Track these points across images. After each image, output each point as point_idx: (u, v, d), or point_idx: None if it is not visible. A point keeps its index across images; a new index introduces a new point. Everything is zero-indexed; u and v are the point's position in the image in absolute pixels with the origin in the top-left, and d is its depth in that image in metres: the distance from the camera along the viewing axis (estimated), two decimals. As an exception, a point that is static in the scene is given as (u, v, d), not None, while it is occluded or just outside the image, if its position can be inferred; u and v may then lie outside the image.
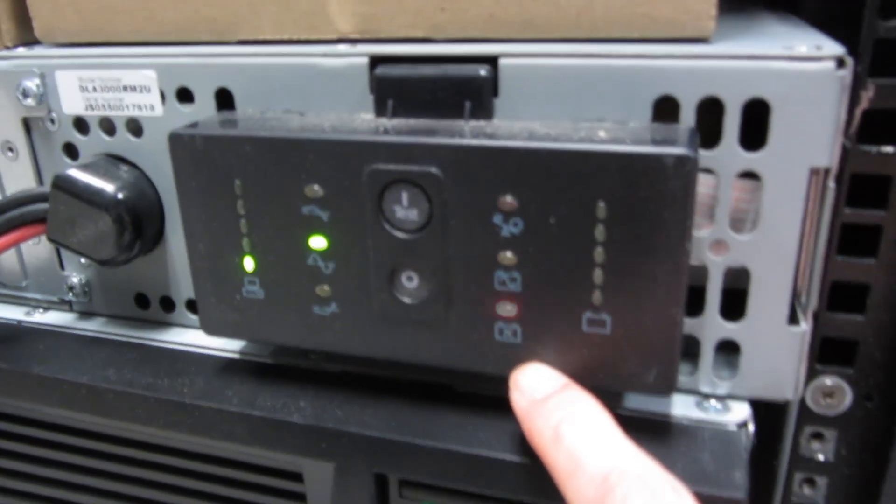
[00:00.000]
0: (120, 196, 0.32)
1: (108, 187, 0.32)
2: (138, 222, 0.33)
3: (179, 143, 0.28)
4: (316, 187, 0.27)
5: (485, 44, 0.28)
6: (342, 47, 0.29)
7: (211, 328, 0.31)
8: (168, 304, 0.36)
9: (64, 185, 0.32)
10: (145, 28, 0.33)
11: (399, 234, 0.27)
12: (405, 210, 0.26)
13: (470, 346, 0.28)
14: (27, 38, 0.35)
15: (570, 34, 0.27)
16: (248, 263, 0.29)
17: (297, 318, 0.29)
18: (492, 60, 0.27)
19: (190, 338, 0.35)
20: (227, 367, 0.33)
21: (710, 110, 0.25)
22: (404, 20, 0.29)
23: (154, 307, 0.36)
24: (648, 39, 0.26)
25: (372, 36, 0.30)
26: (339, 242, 0.28)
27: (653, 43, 0.26)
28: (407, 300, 0.27)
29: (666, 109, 0.26)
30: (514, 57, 0.27)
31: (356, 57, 0.29)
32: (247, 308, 0.30)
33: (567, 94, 0.26)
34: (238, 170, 0.28)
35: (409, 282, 0.27)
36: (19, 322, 0.38)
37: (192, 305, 0.35)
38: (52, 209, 0.32)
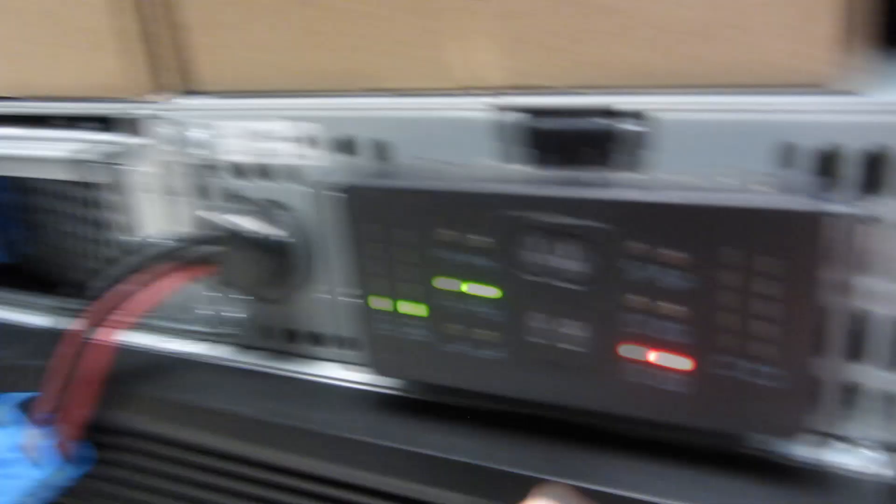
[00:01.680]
0: (281, 240, 0.34)
1: (272, 232, 0.34)
2: (296, 264, 0.34)
3: (350, 194, 0.30)
4: (482, 237, 0.28)
5: (633, 96, 0.28)
6: (491, 100, 0.31)
7: (377, 368, 0.33)
8: (316, 339, 0.38)
9: (233, 230, 0.34)
10: (301, 80, 0.34)
11: (563, 285, 0.28)
12: (569, 261, 0.27)
13: (631, 393, 0.28)
14: (184, 88, 0.38)
15: (715, 82, 0.28)
16: (415, 308, 0.31)
17: (462, 361, 0.31)
18: (641, 114, 0.28)
19: (338, 372, 0.37)
20: (383, 403, 0.34)
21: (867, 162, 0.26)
22: (554, 73, 0.30)
23: (303, 342, 0.38)
24: (772, 88, 0.26)
25: (523, 89, 0.31)
26: (503, 290, 0.29)
27: (780, 93, 0.26)
28: (570, 348, 0.28)
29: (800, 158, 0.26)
30: (665, 111, 0.27)
31: (508, 111, 0.30)
32: (412, 350, 0.31)
33: (715, 145, 0.27)
34: (406, 219, 0.29)
35: (572, 330, 0.28)
36: (176, 353, 0.40)
37: (339, 342, 0.37)
38: (221, 252, 0.34)
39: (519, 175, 0.29)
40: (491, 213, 0.28)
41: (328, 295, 0.36)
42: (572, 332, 0.28)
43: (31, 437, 0.38)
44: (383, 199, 0.29)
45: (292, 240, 0.34)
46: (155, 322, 0.41)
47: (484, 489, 0.30)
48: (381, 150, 0.32)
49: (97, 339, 0.35)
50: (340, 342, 0.37)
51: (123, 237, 0.41)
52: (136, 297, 0.35)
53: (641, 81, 0.29)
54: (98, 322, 0.35)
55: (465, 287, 0.29)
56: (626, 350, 0.28)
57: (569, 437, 0.31)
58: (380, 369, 0.33)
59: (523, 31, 0.30)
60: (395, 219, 0.29)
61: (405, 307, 0.31)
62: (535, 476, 0.29)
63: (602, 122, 0.28)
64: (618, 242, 0.26)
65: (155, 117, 0.36)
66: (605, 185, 0.27)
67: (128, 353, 0.40)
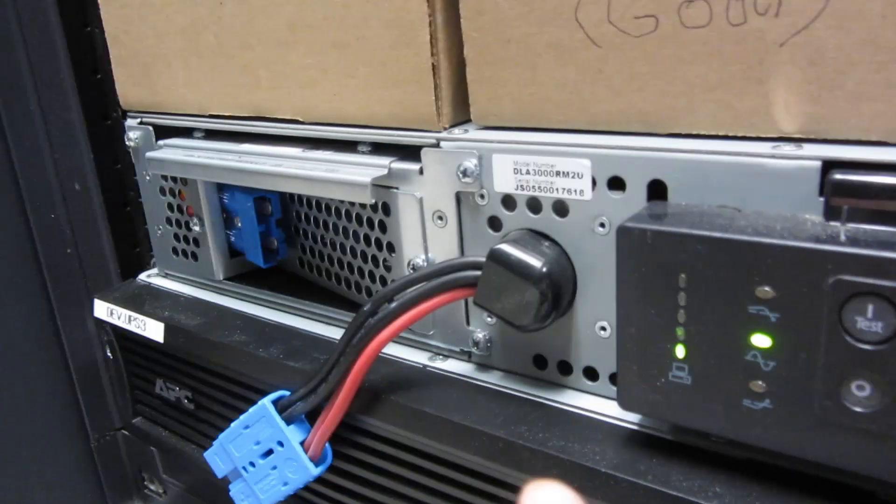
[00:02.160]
0: (545, 270, 0.35)
1: (536, 263, 0.35)
2: (557, 295, 0.36)
3: (628, 236, 0.31)
4: (768, 289, 0.28)
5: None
6: (787, 148, 0.30)
7: (628, 404, 0.33)
8: (565, 368, 0.39)
9: (498, 258, 0.36)
10: (577, 118, 0.36)
11: (859, 345, 0.27)
12: (868, 321, 0.26)
13: (918, 462, 0.27)
14: (459, 119, 0.40)
15: None
16: (680, 350, 0.31)
17: (724, 408, 0.30)
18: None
19: (584, 402, 0.38)
20: (630, 438, 0.35)
21: None
22: (857, 124, 0.29)
23: (551, 369, 0.39)
24: None
25: (818, 137, 0.30)
26: (785, 343, 0.28)
27: None
28: (857, 409, 0.27)
29: None
30: None
31: (807, 160, 0.29)
32: (671, 391, 0.31)
33: None
34: (685, 264, 0.29)
35: (861, 391, 0.27)
36: (424, 366, 0.43)
37: (589, 373, 0.38)
38: (483, 277, 0.36)
39: (816, 229, 0.28)
40: (779, 265, 0.27)
41: (584, 327, 0.37)
42: (859, 394, 0.27)
43: (310, 434, 0.41)
44: (656, 242, 0.30)
45: (553, 271, 0.35)
46: (411, 336, 0.44)
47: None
48: (654, 191, 0.33)
49: (365, 349, 0.38)
50: (591, 374, 0.38)
51: (386, 255, 0.45)
52: (402, 314, 0.37)
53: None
54: (368, 334, 0.38)
55: (737, 335, 0.29)
56: (923, 420, 0.26)
57: (824, 494, 0.30)
58: (627, 404, 0.33)
59: (828, 78, 0.29)
60: (666, 261, 0.30)
61: (665, 347, 0.31)
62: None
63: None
64: (925, 306, 0.25)
65: (433, 146, 0.39)
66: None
67: (382, 362, 0.43)
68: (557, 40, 0.35)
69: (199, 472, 0.61)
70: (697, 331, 0.30)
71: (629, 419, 0.36)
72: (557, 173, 0.35)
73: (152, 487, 0.77)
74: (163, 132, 0.55)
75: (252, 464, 0.44)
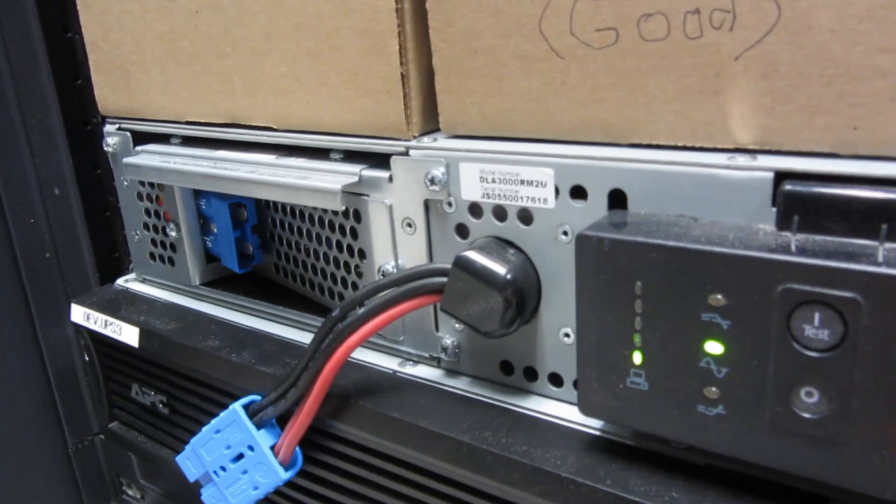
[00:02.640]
0: (509, 277, 0.36)
1: (501, 270, 0.36)
2: (521, 302, 0.36)
3: (586, 244, 0.31)
4: (720, 297, 0.28)
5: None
6: (742, 159, 0.31)
7: (589, 409, 0.34)
8: (531, 373, 0.39)
9: (464, 265, 0.36)
10: (542, 128, 0.36)
11: (806, 352, 0.27)
12: (816, 329, 0.27)
13: (866, 468, 0.27)
14: (428, 128, 0.41)
15: None
16: (637, 357, 0.31)
17: (680, 414, 0.31)
18: (917, 185, 0.27)
19: (548, 407, 0.38)
20: (592, 443, 0.35)
21: None
22: (809, 136, 0.30)
23: (517, 375, 0.40)
24: None
25: (772, 148, 0.31)
26: (736, 350, 0.29)
27: None
28: (804, 415, 0.28)
29: None
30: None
31: (760, 171, 0.30)
32: (629, 397, 0.32)
33: None
34: (641, 272, 0.30)
35: (809, 397, 0.28)
36: (394, 371, 0.43)
37: (553, 379, 0.38)
38: (450, 284, 0.37)
39: (768, 239, 0.29)
40: (731, 274, 0.28)
41: (549, 334, 0.38)
42: (807, 400, 0.28)
43: (280, 439, 0.42)
44: (614, 250, 0.30)
45: (517, 278, 0.36)
46: (381, 342, 0.45)
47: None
48: (615, 200, 0.33)
49: (333, 354, 0.38)
50: (556, 380, 0.38)
51: (357, 262, 0.45)
52: (370, 319, 0.38)
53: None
54: (337, 339, 0.38)
55: (691, 342, 0.30)
56: (867, 424, 0.27)
57: (778, 498, 0.30)
58: (587, 409, 0.34)
59: (781, 91, 0.30)
60: (623, 269, 0.30)
61: (622, 354, 0.31)
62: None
63: (868, 189, 0.28)
64: (868, 313, 0.26)
65: (402, 154, 0.39)
66: (869, 259, 0.26)
67: (352, 367, 0.43)
68: (523, 51, 0.35)
69: (175, 477, 0.60)
70: (654, 338, 0.31)
71: (592, 425, 0.36)
72: (522, 182, 0.36)
73: (130, 493, 0.77)
74: (140, 138, 0.55)
75: (223, 468, 0.44)
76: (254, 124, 0.47)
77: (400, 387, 0.42)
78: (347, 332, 0.38)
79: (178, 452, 0.47)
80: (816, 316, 0.27)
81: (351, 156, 0.43)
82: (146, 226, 0.58)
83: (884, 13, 0.27)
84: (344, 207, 0.42)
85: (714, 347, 0.29)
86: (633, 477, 0.33)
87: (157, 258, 0.58)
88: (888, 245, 0.27)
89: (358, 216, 0.44)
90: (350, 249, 0.46)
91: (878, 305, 0.25)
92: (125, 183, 0.57)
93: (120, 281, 0.62)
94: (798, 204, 0.29)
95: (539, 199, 0.36)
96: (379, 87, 0.40)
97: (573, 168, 0.34)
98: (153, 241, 0.58)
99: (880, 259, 0.26)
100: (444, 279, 0.37)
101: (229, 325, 0.52)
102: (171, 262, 0.57)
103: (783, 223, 0.29)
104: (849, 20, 0.28)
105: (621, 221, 0.32)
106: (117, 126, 0.56)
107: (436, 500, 0.39)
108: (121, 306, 0.57)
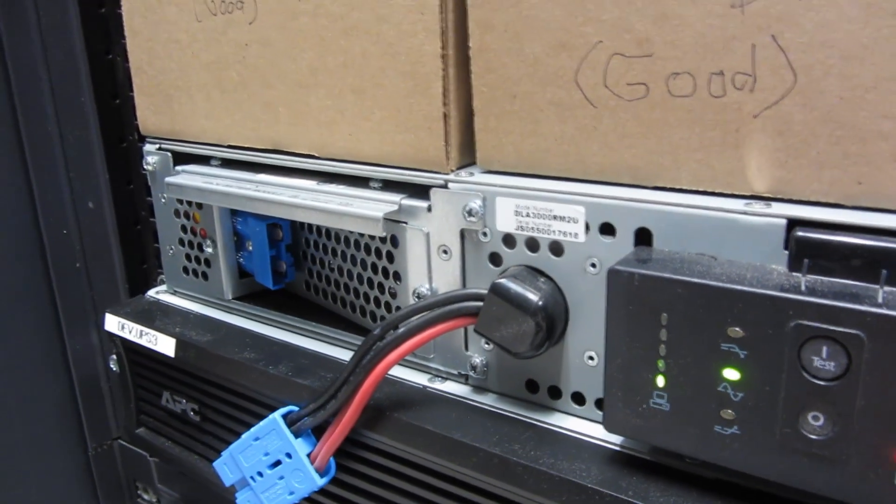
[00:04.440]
0: (541, 304, 0.39)
1: (533, 297, 0.39)
2: (551, 326, 0.40)
3: (618, 278, 0.35)
4: (738, 329, 0.32)
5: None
6: (758, 206, 0.34)
7: (613, 427, 0.37)
8: (555, 392, 0.43)
9: (499, 291, 0.40)
10: (574, 168, 0.40)
11: (814, 381, 0.31)
12: (823, 361, 0.30)
13: (865, 485, 0.31)
14: (464, 162, 0.44)
15: None
16: (660, 380, 0.35)
17: (698, 433, 0.34)
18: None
19: (572, 424, 0.41)
20: (613, 458, 0.39)
21: None
22: (818, 188, 0.34)
23: (542, 393, 0.43)
24: None
25: (785, 197, 0.34)
26: (751, 377, 0.32)
27: None
28: (811, 436, 0.31)
29: None
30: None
31: (774, 218, 0.34)
32: (651, 416, 0.35)
33: None
34: (667, 305, 0.34)
35: (815, 420, 0.31)
36: (424, 387, 0.47)
37: (576, 397, 0.42)
38: (485, 308, 0.40)
39: (781, 279, 0.32)
40: (748, 309, 0.32)
41: (574, 356, 0.41)
42: (813, 423, 0.31)
43: (316, 447, 0.45)
44: (642, 284, 0.34)
45: (548, 304, 0.39)
46: (412, 359, 0.48)
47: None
48: (641, 237, 0.37)
49: (374, 370, 0.42)
50: (578, 399, 0.42)
51: (392, 283, 0.49)
52: (410, 338, 0.41)
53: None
54: (377, 356, 0.41)
55: (710, 368, 0.33)
56: (867, 446, 0.30)
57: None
58: (611, 426, 0.37)
59: (794, 147, 0.33)
60: (651, 301, 0.34)
61: (647, 377, 0.35)
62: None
63: (871, 238, 0.31)
64: (870, 349, 0.29)
65: (441, 187, 0.43)
66: (871, 301, 0.30)
67: (384, 382, 0.47)
68: (558, 99, 0.39)
69: (196, 482, 0.64)
70: (676, 363, 0.34)
71: (612, 440, 0.40)
72: (555, 217, 0.39)
73: (146, 497, 0.79)
74: (180, 158, 0.59)
75: (260, 473, 0.47)
76: (296, 151, 0.50)
77: (431, 401, 0.45)
78: (387, 350, 0.41)
79: (206, 458, 0.50)
80: (824, 349, 0.30)
81: (389, 185, 0.47)
82: (181, 241, 0.61)
83: (887, 85, 0.31)
84: (385, 234, 0.45)
85: (731, 374, 0.33)
86: (653, 489, 0.36)
87: (191, 272, 0.61)
88: (887, 288, 0.31)
89: (395, 241, 0.47)
90: (385, 272, 0.49)
91: (878, 341, 0.29)
92: (163, 200, 0.61)
93: (151, 292, 0.65)
94: (808, 248, 0.32)
95: (570, 234, 0.39)
96: (420, 125, 0.44)
97: (603, 207, 0.38)
98: (188, 256, 0.61)
99: (880, 300, 0.30)
100: (479, 303, 0.40)
101: (263, 338, 0.55)
102: (205, 276, 0.60)
103: (794, 265, 0.33)
104: (856, 89, 0.32)
105: (647, 258, 0.36)
106: (158, 146, 0.60)
107: (465, 507, 0.42)
108: (155, 317, 0.60)
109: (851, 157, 0.33)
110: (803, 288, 0.31)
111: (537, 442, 0.40)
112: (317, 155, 0.50)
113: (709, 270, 0.34)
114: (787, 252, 0.33)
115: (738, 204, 0.35)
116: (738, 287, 0.32)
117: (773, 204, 0.34)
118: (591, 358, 0.40)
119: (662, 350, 0.34)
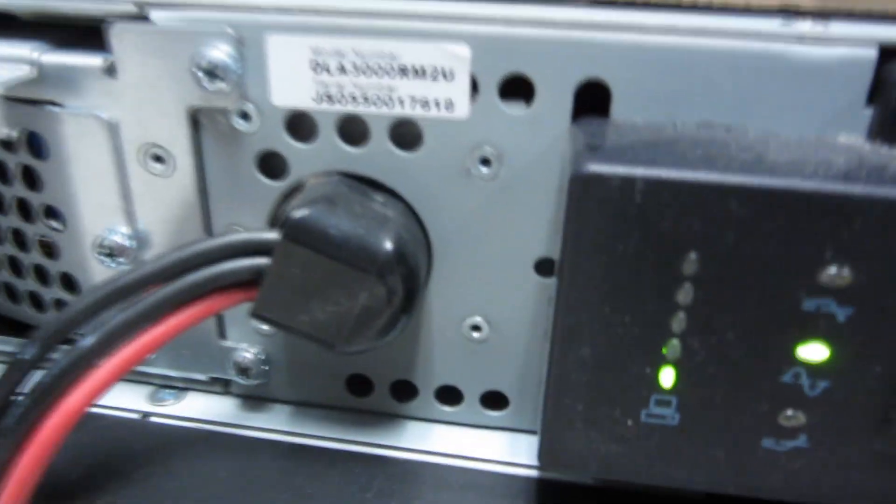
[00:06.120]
0: (391, 248, 0.19)
1: (378, 239, 0.19)
2: (411, 289, 0.20)
3: (599, 188, 0.16)
4: (844, 270, 0.16)
5: None
6: (806, 25, 0.18)
7: (556, 460, 0.20)
8: (406, 390, 0.24)
9: (305, 233, 0.19)
10: (425, -32, 0.20)
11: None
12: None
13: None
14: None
15: None
16: (666, 376, 0.18)
17: (728, 456, 0.19)
18: None
19: (440, 440, 0.24)
20: (526, 492, 0.22)
21: None
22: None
23: (379, 394, 0.24)
24: None
25: (858, 9, 0.19)
26: (850, 353, 0.17)
27: None
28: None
29: None
30: None
31: (848, 46, 0.18)
32: (644, 437, 0.19)
33: None
34: (698, 237, 0.16)
35: (951, 414, 0.17)
36: (144, 415, 0.25)
37: (445, 394, 0.24)
38: (273, 270, 0.19)
39: (874, 157, 0.17)
40: (853, 228, 0.16)
41: (443, 328, 0.23)
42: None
43: None
44: (648, 199, 0.16)
45: (405, 249, 0.20)
46: (142, 368, 0.25)
47: None
48: (583, 100, 0.19)
49: (49, 413, 0.19)
50: (449, 396, 0.24)
51: (43, 229, 0.24)
52: (120, 345, 0.19)
53: None
54: (56, 385, 0.19)
55: (776, 346, 0.17)
56: None
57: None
58: (552, 460, 0.20)
59: None
60: (664, 232, 0.17)
61: (642, 373, 0.18)
62: None
63: None
64: None
65: (135, 18, 0.20)
66: None
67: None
68: None
69: None
70: (704, 343, 0.18)
71: (518, 461, 0.23)
72: (403, 70, 0.19)
73: None
74: None
75: None
76: None
77: (159, 449, 0.24)
78: (80, 369, 0.19)
79: None
80: None
81: (15, 25, 0.22)
82: None
83: None
84: (9, 132, 0.21)
85: (814, 352, 0.17)
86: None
87: None
88: None
89: (36, 145, 0.23)
90: (25, 208, 0.25)
91: None
92: None
93: None
94: (917, 99, 0.17)
95: (438, 103, 0.20)
96: None
97: (509, 43, 0.19)
98: None
99: None
100: (261, 262, 0.20)
101: None
102: None
103: (889, 131, 0.18)
104: None
105: (618, 142, 0.18)
106: None
107: None
108: None
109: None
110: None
111: (392, 493, 0.22)
112: None
113: (762, 158, 0.17)
114: (870, 110, 0.18)
115: (771, 25, 0.18)
116: (853, 189, 0.16)
117: (834, 23, 0.18)
118: (476, 328, 0.22)
119: (678, 322, 0.18)
